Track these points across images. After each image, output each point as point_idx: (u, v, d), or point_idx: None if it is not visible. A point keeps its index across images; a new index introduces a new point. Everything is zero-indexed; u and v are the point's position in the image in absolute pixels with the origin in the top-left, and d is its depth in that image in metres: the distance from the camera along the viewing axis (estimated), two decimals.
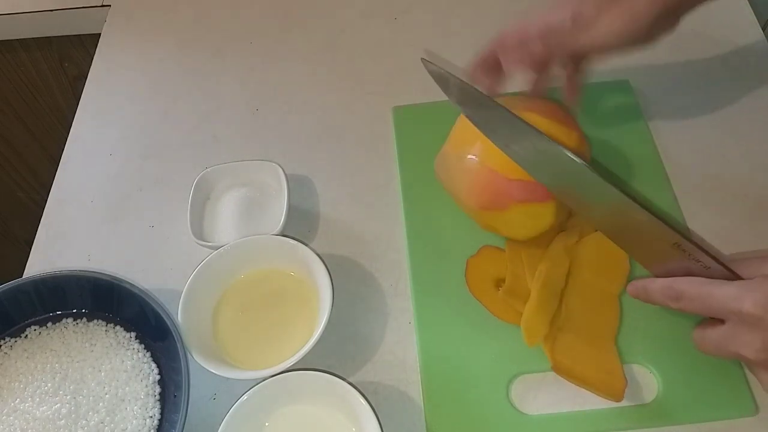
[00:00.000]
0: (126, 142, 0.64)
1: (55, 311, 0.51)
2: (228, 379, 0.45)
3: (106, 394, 0.46)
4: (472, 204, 0.48)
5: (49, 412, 0.45)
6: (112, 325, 0.50)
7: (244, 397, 0.44)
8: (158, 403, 0.46)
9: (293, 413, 0.45)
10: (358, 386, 0.43)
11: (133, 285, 0.49)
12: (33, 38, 0.80)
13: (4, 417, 0.45)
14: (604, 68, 0.62)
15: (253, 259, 0.51)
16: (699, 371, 0.44)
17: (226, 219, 0.54)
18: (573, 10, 0.45)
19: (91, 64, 0.71)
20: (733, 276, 0.39)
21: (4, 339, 0.49)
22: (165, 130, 0.64)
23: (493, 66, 0.50)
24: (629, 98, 0.59)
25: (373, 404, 0.42)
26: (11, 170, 1.02)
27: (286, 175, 0.54)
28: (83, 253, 0.57)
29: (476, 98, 0.46)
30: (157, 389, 0.47)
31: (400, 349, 0.49)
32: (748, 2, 0.65)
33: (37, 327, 0.50)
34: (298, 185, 0.58)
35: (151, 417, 0.45)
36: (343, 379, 0.44)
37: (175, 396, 0.45)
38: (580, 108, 0.53)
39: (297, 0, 0.73)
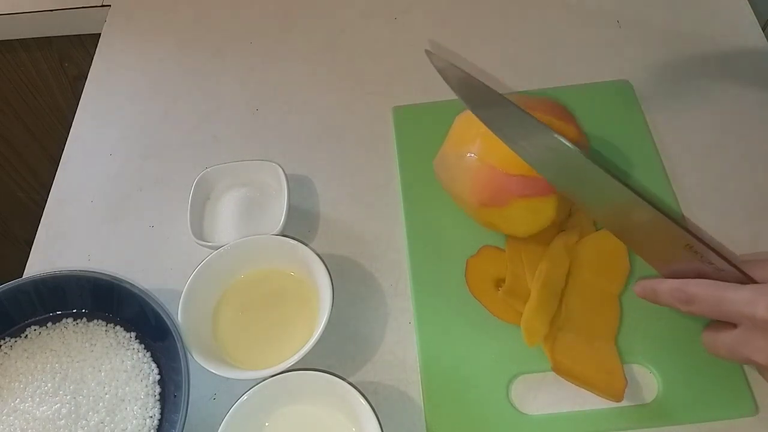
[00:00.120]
0: (126, 142, 0.64)
1: (55, 311, 0.51)
2: (228, 379, 0.45)
3: (106, 394, 0.46)
4: (472, 201, 0.48)
5: (49, 412, 0.45)
6: (112, 325, 0.50)
7: (244, 397, 0.44)
8: (158, 403, 0.46)
9: (293, 413, 0.45)
10: (358, 386, 0.43)
11: (133, 285, 0.49)
12: (33, 38, 0.80)
13: (4, 417, 0.45)
14: (604, 68, 0.62)
15: (253, 259, 0.51)
16: (699, 371, 0.44)
17: (226, 219, 0.54)
18: None
19: (91, 64, 0.71)
20: (745, 279, 0.38)
21: (4, 339, 0.49)
22: (165, 130, 0.64)
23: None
24: (629, 98, 0.59)
25: (373, 404, 0.42)
26: (11, 170, 1.02)
27: (286, 175, 0.54)
28: (83, 253, 0.57)
29: (482, 92, 0.45)
30: (157, 389, 0.47)
31: (400, 349, 0.49)
32: (748, 2, 0.65)
33: (37, 327, 0.50)
34: (298, 185, 0.58)
35: (151, 417, 0.45)
36: (343, 379, 0.44)
37: (175, 396, 0.45)
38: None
39: (297, 0, 0.73)
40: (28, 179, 1.04)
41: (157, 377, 0.47)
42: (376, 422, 0.41)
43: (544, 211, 0.46)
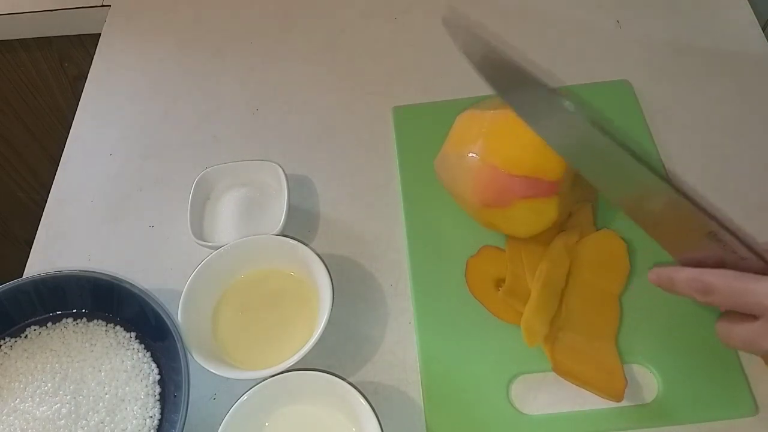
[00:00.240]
0: (126, 142, 0.64)
1: (55, 311, 0.51)
2: (228, 379, 0.45)
3: (106, 394, 0.46)
4: (474, 202, 0.48)
5: (49, 412, 0.45)
6: (112, 325, 0.50)
7: (244, 397, 0.44)
8: (158, 403, 0.46)
9: (293, 413, 0.45)
10: (358, 386, 0.43)
11: (133, 285, 0.49)
12: (33, 38, 0.80)
13: (4, 417, 0.45)
14: (604, 68, 0.62)
15: (253, 259, 0.51)
16: (699, 371, 0.44)
17: (226, 219, 0.54)
18: None
19: (91, 64, 0.71)
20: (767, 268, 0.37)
21: (4, 339, 0.49)
22: (165, 130, 0.64)
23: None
24: (629, 98, 0.59)
25: (373, 404, 0.42)
26: (11, 170, 1.02)
27: (286, 175, 0.54)
28: (83, 253, 0.57)
29: (507, 71, 0.43)
30: (157, 389, 0.47)
31: (400, 349, 0.49)
32: (748, 2, 0.65)
33: (37, 327, 0.50)
34: (298, 185, 0.58)
35: (151, 417, 0.45)
36: (343, 379, 0.44)
37: (175, 396, 0.45)
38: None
39: (297, 0, 0.73)
40: (28, 179, 1.04)
41: (157, 377, 0.47)
42: (376, 422, 0.41)
43: (547, 212, 0.46)
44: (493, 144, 0.46)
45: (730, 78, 0.60)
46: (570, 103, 0.41)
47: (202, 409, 0.47)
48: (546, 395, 0.45)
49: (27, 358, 0.48)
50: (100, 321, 0.50)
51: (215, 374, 0.44)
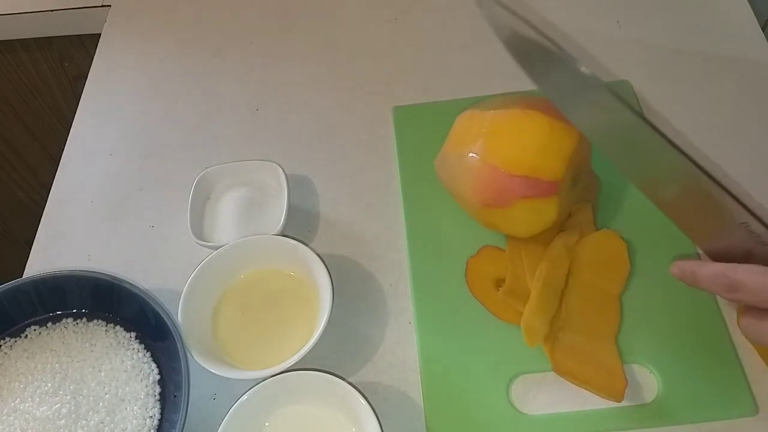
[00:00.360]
0: (126, 142, 0.64)
1: (55, 311, 0.51)
2: (228, 379, 0.45)
3: (106, 394, 0.46)
4: (474, 202, 0.48)
5: (49, 412, 0.45)
6: (112, 325, 0.50)
7: (244, 397, 0.44)
8: (158, 403, 0.46)
9: (293, 413, 0.45)
10: (358, 386, 0.43)
11: (133, 285, 0.49)
12: (33, 38, 0.80)
13: (4, 417, 0.45)
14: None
15: (253, 259, 0.51)
16: (699, 371, 0.44)
17: (226, 219, 0.54)
18: None
19: (91, 64, 0.71)
20: None
21: (4, 339, 0.49)
22: (165, 130, 0.64)
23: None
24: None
25: (373, 404, 0.42)
26: (11, 170, 1.02)
27: (286, 175, 0.54)
28: (83, 253, 0.57)
29: (538, 49, 0.41)
30: (157, 389, 0.47)
31: (400, 349, 0.49)
32: (747, 2, 0.65)
33: (37, 327, 0.50)
34: (298, 185, 0.58)
35: (151, 417, 0.45)
36: (343, 379, 0.44)
37: (175, 396, 0.45)
38: None
39: (297, 0, 0.73)
40: (28, 179, 1.04)
41: (157, 377, 0.47)
42: (376, 422, 0.41)
43: (547, 212, 0.46)
44: (493, 144, 0.46)
45: (730, 78, 0.60)
46: (602, 83, 0.39)
47: (202, 409, 0.47)
48: (546, 395, 0.45)
49: (27, 358, 0.48)
50: (100, 321, 0.50)
51: (215, 374, 0.44)
